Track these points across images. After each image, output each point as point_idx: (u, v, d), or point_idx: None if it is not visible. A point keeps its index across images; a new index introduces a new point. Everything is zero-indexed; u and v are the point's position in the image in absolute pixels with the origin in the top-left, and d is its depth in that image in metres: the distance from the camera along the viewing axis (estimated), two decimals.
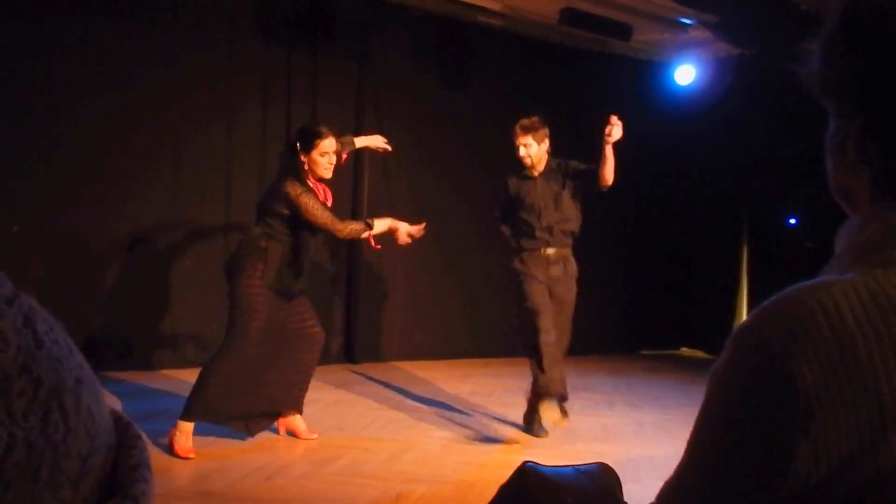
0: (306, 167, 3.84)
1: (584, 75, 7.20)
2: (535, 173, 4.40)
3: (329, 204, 3.92)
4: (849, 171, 0.71)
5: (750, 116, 7.17)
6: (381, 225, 3.90)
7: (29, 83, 5.20)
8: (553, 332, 4.25)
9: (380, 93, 6.64)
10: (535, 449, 4.07)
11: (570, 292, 4.41)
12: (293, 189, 3.77)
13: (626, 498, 0.92)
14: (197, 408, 3.72)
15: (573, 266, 4.44)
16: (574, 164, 4.40)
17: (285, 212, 3.79)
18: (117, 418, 0.45)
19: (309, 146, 3.83)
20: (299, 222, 3.80)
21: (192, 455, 3.66)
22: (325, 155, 3.83)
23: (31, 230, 5.25)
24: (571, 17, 6.36)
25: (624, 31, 6.70)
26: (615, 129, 4.05)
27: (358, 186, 6.61)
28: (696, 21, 6.67)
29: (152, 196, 5.77)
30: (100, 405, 0.42)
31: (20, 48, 5.14)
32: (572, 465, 0.90)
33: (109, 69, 5.45)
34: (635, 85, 7.52)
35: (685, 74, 7.65)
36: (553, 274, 4.37)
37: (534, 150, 4.33)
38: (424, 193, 6.85)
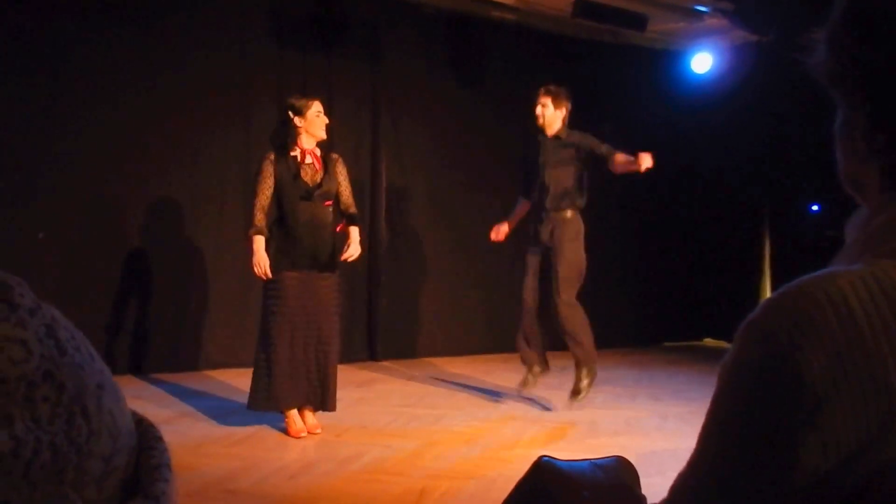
0: (301, 131, 4.03)
1: (599, 67, 7.15)
2: (547, 135, 4.69)
3: (317, 167, 4.07)
4: (858, 161, 0.71)
5: (769, 103, 7.09)
6: (255, 245, 3.97)
7: (47, 90, 5.27)
8: (529, 300, 4.69)
9: (394, 91, 6.65)
10: (558, 443, 4.07)
11: (558, 254, 4.58)
12: (264, 158, 4.02)
13: (650, 491, 0.91)
14: (256, 398, 3.99)
15: (562, 230, 4.60)
16: (590, 141, 4.63)
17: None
18: (138, 421, 0.47)
19: (303, 109, 4.03)
20: (279, 195, 3.99)
21: (303, 434, 4.02)
22: (320, 114, 4.07)
23: (56, 236, 5.33)
24: (585, 9, 6.32)
25: (639, 22, 6.64)
26: (644, 163, 4.34)
27: (375, 185, 6.63)
28: (712, 9, 6.61)
29: (171, 199, 5.84)
30: (121, 408, 0.44)
31: (37, 55, 5.21)
32: (589, 459, 0.90)
33: (126, 74, 5.51)
34: (652, 75, 7.47)
35: (702, 63, 7.58)
36: (544, 237, 4.69)
37: (549, 111, 4.67)
38: (441, 190, 6.86)
